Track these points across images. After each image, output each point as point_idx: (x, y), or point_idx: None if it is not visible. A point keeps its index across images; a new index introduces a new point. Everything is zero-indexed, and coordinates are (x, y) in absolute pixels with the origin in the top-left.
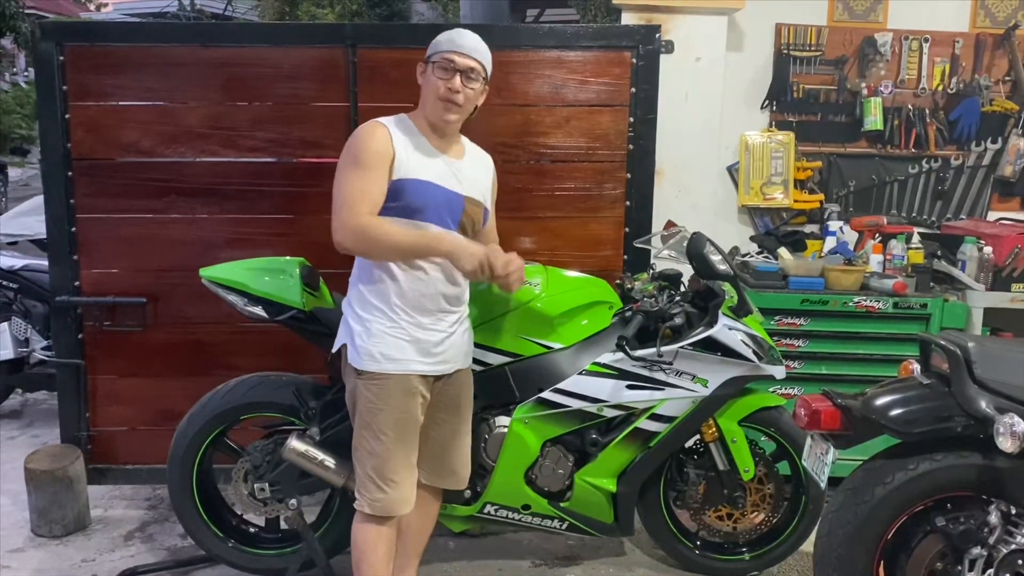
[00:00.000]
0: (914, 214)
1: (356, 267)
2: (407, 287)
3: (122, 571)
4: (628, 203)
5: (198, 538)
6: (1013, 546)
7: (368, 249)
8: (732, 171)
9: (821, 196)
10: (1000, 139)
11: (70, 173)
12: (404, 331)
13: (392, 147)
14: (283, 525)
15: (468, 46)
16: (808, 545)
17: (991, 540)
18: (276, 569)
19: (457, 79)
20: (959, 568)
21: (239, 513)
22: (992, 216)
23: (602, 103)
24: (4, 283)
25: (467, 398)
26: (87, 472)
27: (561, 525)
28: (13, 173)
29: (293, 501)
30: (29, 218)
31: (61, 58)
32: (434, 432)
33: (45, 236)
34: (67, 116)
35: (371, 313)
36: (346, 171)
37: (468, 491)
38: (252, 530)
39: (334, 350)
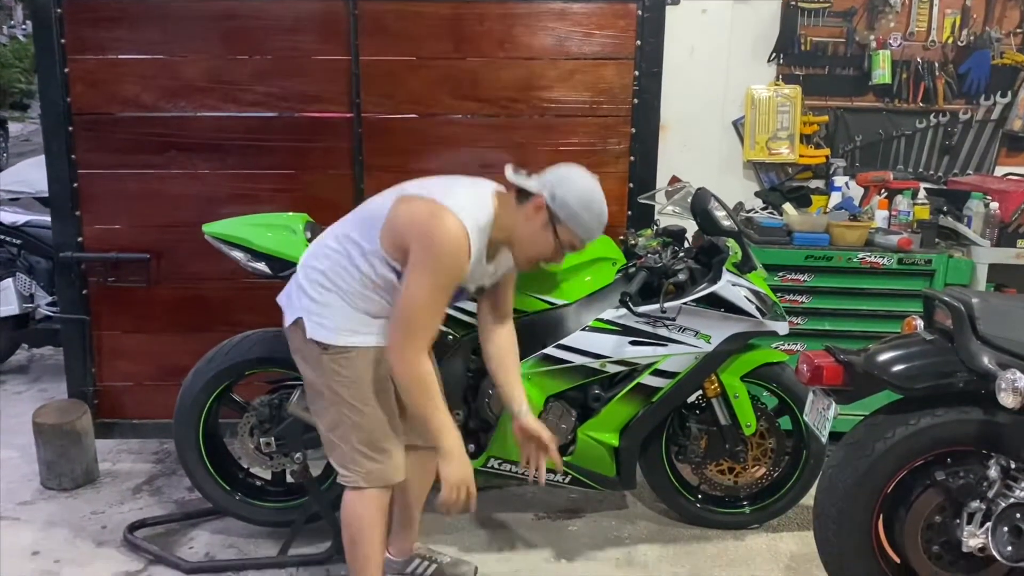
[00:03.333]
0: (920, 169)
1: (324, 255)
2: (364, 305)
3: (131, 523)
4: (632, 158)
5: (205, 491)
6: (1012, 500)
7: (399, 381)
8: (737, 125)
9: (827, 151)
10: (1009, 93)
11: (70, 128)
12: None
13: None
14: (289, 479)
15: (596, 235)
16: (808, 499)
17: (990, 494)
18: (282, 521)
19: (560, 259)
20: (957, 521)
21: (245, 467)
22: (999, 171)
23: (607, 56)
24: (7, 239)
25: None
26: (94, 427)
27: (564, 479)
28: (13, 128)
29: (299, 455)
30: (30, 174)
31: (59, 10)
32: None
33: (47, 192)
34: (66, 70)
35: (332, 290)
36: (426, 287)
37: (472, 446)
38: (258, 483)
39: (287, 324)
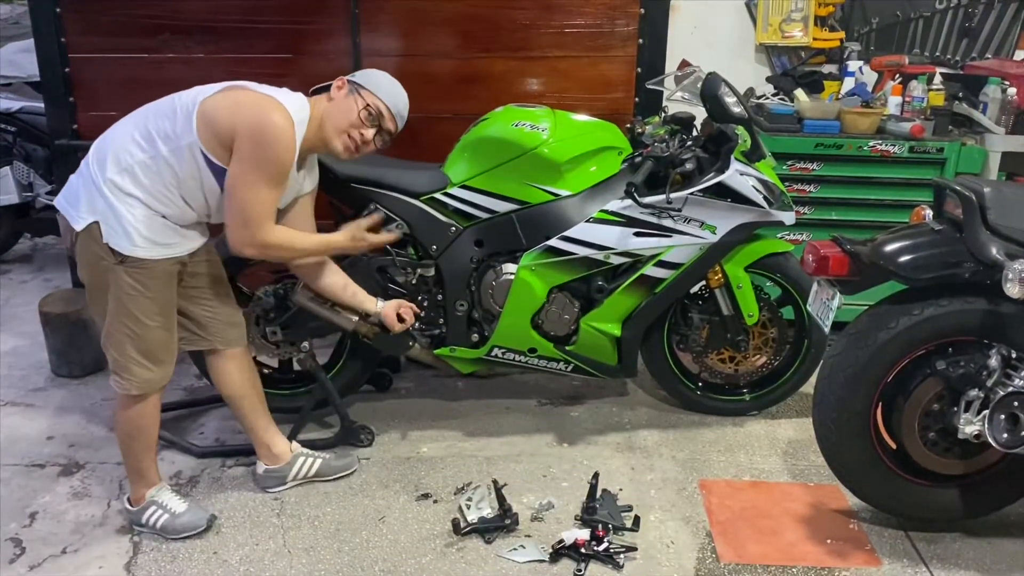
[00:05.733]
0: (938, 53)
1: (127, 151)
2: (166, 209)
3: None
4: (641, 41)
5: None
6: (1010, 388)
7: (279, 258)
8: (751, 6)
9: (842, 34)
10: None
11: (58, 9)
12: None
13: None
14: (296, 367)
15: (401, 113)
16: (807, 387)
17: (989, 383)
18: (290, 408)
19: (371, 132)
20: (955, 409)
21: (252, 355)
22: (1020, 55)
23: None
24: (2, 126)
25: (220, 264)
26: None
27: (566, 367)
28: (2, 10)
29: (305, 344)
30: (20, 58)
31: None
32: (205, 304)
33: (39, 77)
34: None
35: (133, 192)
36: (259, 182)
37: (476, 335)
38: (266, 371)
39: (79, 228)
